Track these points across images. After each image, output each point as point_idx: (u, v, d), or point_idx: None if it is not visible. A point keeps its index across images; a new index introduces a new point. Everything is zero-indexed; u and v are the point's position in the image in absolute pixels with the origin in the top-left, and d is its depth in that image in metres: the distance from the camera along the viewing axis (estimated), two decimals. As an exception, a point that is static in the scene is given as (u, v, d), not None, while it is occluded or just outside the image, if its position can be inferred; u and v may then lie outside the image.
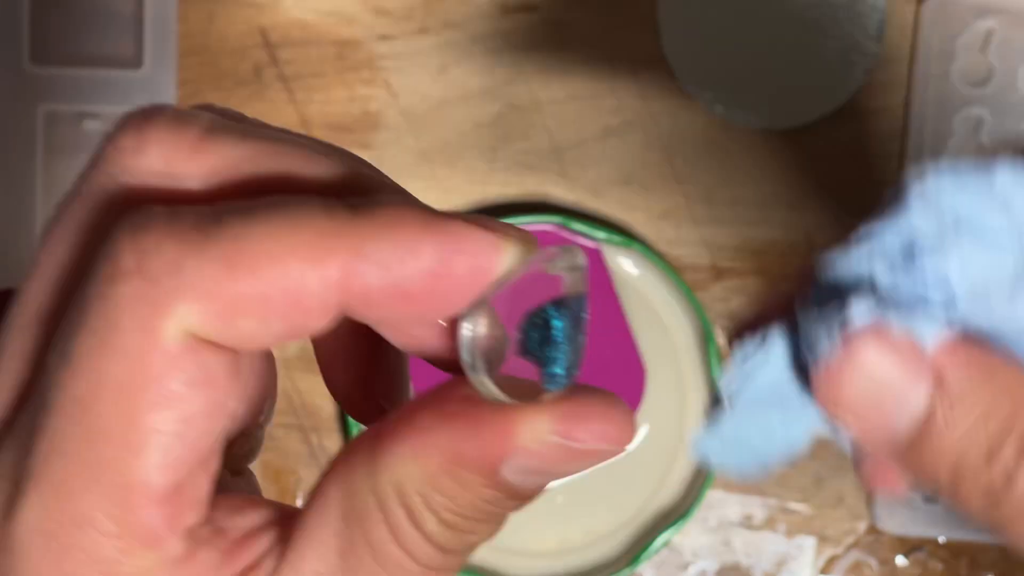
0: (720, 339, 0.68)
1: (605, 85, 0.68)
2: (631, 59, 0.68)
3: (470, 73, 0.68)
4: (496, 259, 0.27)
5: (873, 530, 0.69)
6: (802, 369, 0.31)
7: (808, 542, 0.69)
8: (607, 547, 0.68)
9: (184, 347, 0.26)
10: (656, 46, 0.68)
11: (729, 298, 0.69)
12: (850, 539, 0.69)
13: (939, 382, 0.29)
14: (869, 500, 0.69)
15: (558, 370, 0.27)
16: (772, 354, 0.31)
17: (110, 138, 0.29)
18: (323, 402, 0.68)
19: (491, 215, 0.72)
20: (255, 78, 0.68)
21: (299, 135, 0.30)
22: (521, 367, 0.28)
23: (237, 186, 0.28)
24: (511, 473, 0.27)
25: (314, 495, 0.29)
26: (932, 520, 0.69)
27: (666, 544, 0.67)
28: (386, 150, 0.68)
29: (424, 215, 0.27)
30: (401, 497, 0.28)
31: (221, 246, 0.26)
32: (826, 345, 0.29)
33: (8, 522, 0.27)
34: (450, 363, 0.29)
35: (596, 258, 0.67)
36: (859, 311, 0.28)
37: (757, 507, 0.69)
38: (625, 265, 0.67)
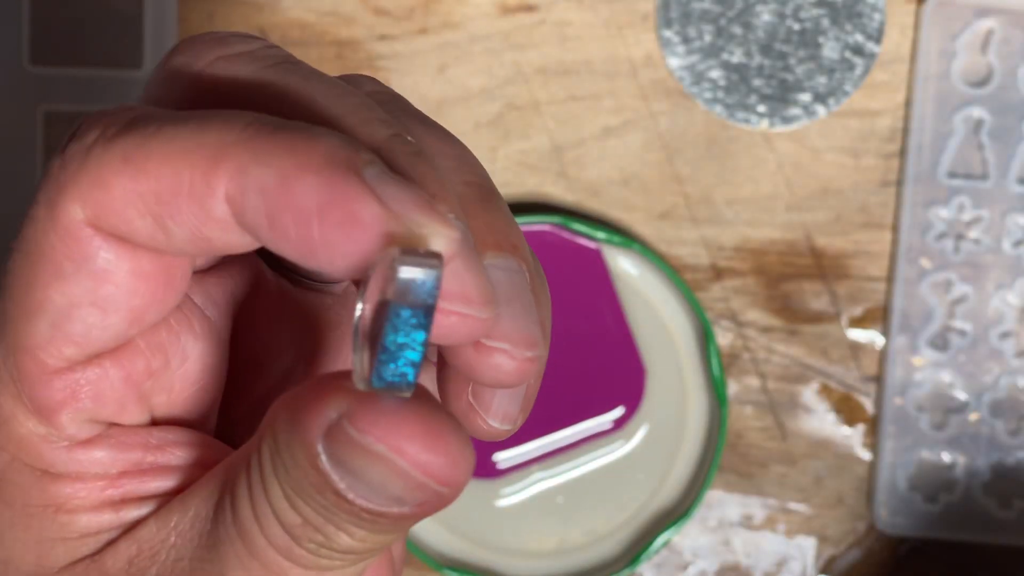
0: (720, 339, 0.68)
1: (605, 85, 0.68)
2: (631, 59, 0.68)
3: (470, 73, 0.68)
4: (376, 225, 0.25)
5: (873, 530, 0.69)
6: None
7: (808, 542, 0.69)
8: (607, 547, 0.68)
9: (80, 231, 0.27)
10: (656, 46, 0.68)
11: (729, 298, 0.69)
12: (850, 539, 0.69)
13: None
14: (869, 500, 0.69)
15: (406, 377, 0.26)
16: None
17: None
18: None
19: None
20: (255, 78, 0.68)
21: (316, 78, 0.29)
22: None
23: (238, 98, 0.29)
24: (328, 457, 0.25)
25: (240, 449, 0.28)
26: (932, 520, 0.69)
27: (666, 544, 0.67)
28: (386, 150, 0.68)
29: (330, 153, 0.25)
30: (261, 450, 0.27)
31: (127, 142, 0.27)
32: None
33: None
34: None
35: (596, 258, 0.67)
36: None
37: (757, 507, 0.69)
38: (625, 265, 0.67)
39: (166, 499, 0.29)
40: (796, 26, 0.67)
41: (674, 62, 0.67)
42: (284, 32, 0.67)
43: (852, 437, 0.69)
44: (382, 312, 0.25)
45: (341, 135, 0.26)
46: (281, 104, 0.28)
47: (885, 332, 0.69)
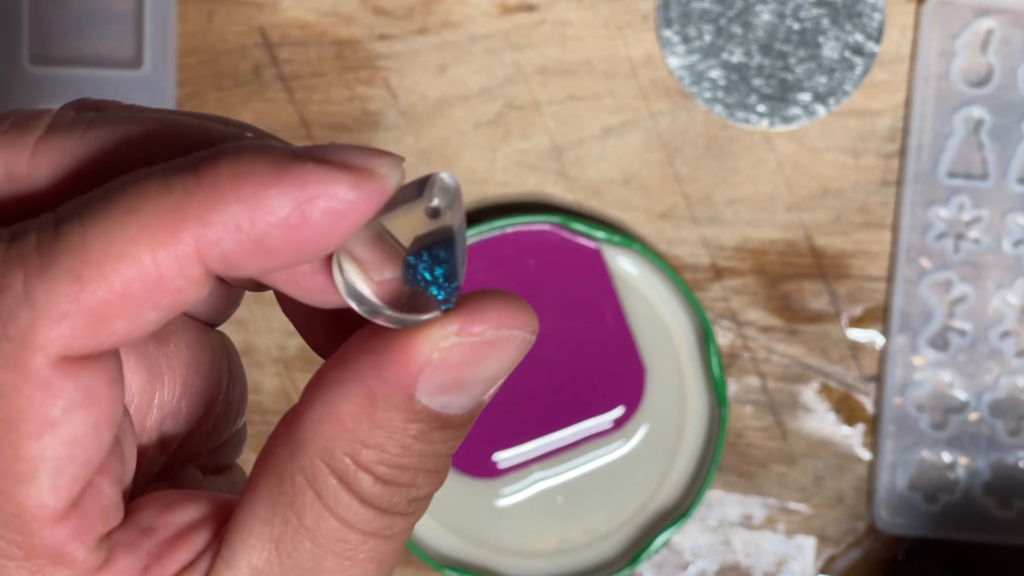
0: (720, 339, 0.68)
1: (605, 85, 0.68)
2: (631, 59, 0.68)
3: (470, 73, 0.68)
4: (357, 201, 0.26)
5: (873, 530, 0.69)
6: None
7: (808, 542, 0.69)
8: (607, 547, 0.68)
9: (56, 373, 0.25)
10: (656, 46, 0.68)
11: (729, 298, 0.69)
12: (850, 539, 0.69)
13: None
14: (869, 500, 0.69)
15: (452, 284, 0.27)
16: None
17: None
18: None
19: (491, 215, 0.72)
20: (254, 78, 0.68)
21: (156, 111, 0.29)
22: (407, 295, 0.27)
23: (85, 177, 0.27)
24: (428, 396, 0.27)
25: (245, 487, 0.28)
26: (932, 520, 0.69)
27: (666, 544, 0.67)
28: (386, 150, 0.68)
29: (271, 162, 0.25)
30: (330, 464, 0.27)
31: (63, 261, 0.25)
32: None
33: None
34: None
35: (596, 258, 0.67)
36: None
37: (757, 507, 0.69)
38: (625, 265, 0.67)
39: (202, 556, 0.28)
40: (796, 26, 0.67)
41: (674, 62, 0.67)
42: (284, 32, 0.67)
43: (852, 437, 0.69)
44: (421, 243, 0.27)
45: (250, 141, 0.26)
46: (150, 149, 0.27)
47: (885, 332, 0.69)
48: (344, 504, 0.27)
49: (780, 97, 0.68)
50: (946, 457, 0.69)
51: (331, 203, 0.25)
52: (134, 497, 0.29)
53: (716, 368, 0.66)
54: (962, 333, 0.68)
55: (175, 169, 0.25)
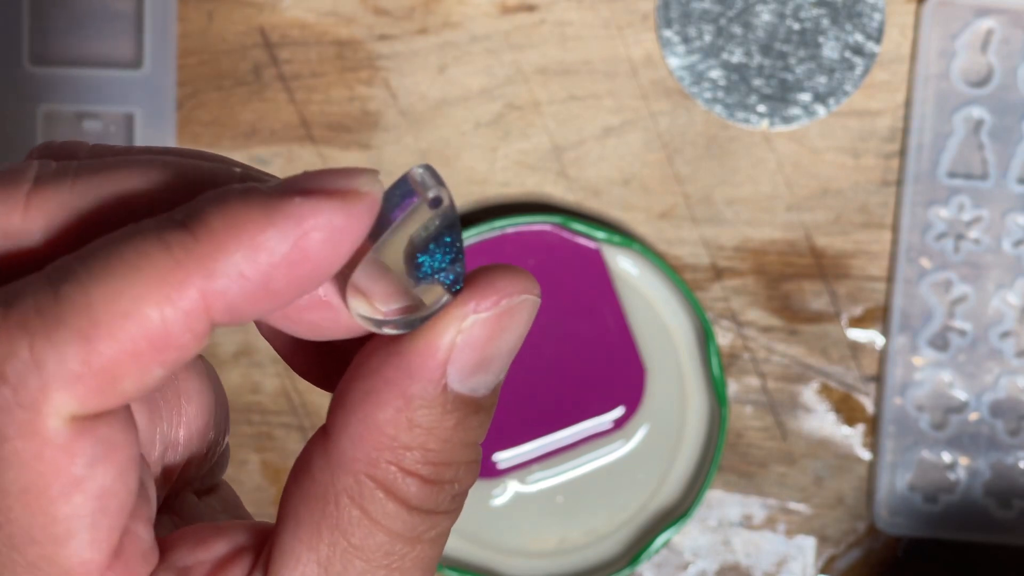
0: (720, 339, 0.68)
1: (605, 85, 0.68)
2: (631, 59, 0.68)
3: (470, 73, 0.68)
4: (349, 224, 0.26)
5: (873, 530, 0.69)
6: None
7: (808, 542, 0.69)
8: (607, 547, 0.68)
9: (72, 433, 0.25)
10: (656, 46, 0.68)
11: (729, 298, 0.69)
12: (850, 539, 0.69)
13: None
14: (869, 500, 0.69)
15: (458, 265, 0.28)
16: None
17: None
18: (323, 401, 0.68)
19: (491, 215, 0.72)
20: (255, 78, 0.68)
21: (138, 150, 0.29)
22: (412, 296, 0.28)
23: (77, 229, 0.27)
24: (458, 382, 0.27)
25: (281, 512, 0.28)
26: (932, 520, 0.69)
27: (666, 544, 0.67)
28: (386, 150, 0.68)
29: (260, 204, 0.26)
30: (375, 478, 0.27)
31: (70, 322, 0.25)
32: None
33: None
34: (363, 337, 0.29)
35: (596, 258, 0.67)
36: None
37: (757, 507, 0.69)
38: (625, 265, 0.67)
39: None
40: (796, 26, 0.67)
41: (674, 62, 0.67)
42: (284, 32, 0.67)
43: (852, 437, 0.69)
44: (424, 245, 0.28)
45: (229, 188, 0.27)
46: (141, 196, 0.27)
47: (885, 332, 0.69)
48: (391, 515, 0.27)
49: (780, 97, 0.68)
50: (946, 457, 0.69)
51: (326, 232, 0.26)
52: None
53: (716, 368, 0.66)
54: (962, 333, 0.68)
55: (169, 225, 0.26)
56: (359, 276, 0.27)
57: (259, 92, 0.68)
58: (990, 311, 0.68)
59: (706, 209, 0.68)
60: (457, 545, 0.68)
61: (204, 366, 0.32)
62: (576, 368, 0.68)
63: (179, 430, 0.31)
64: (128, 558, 0.27)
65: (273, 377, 0.69)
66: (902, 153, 0.68)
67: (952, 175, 0.68)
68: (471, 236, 0.66)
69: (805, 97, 0.68)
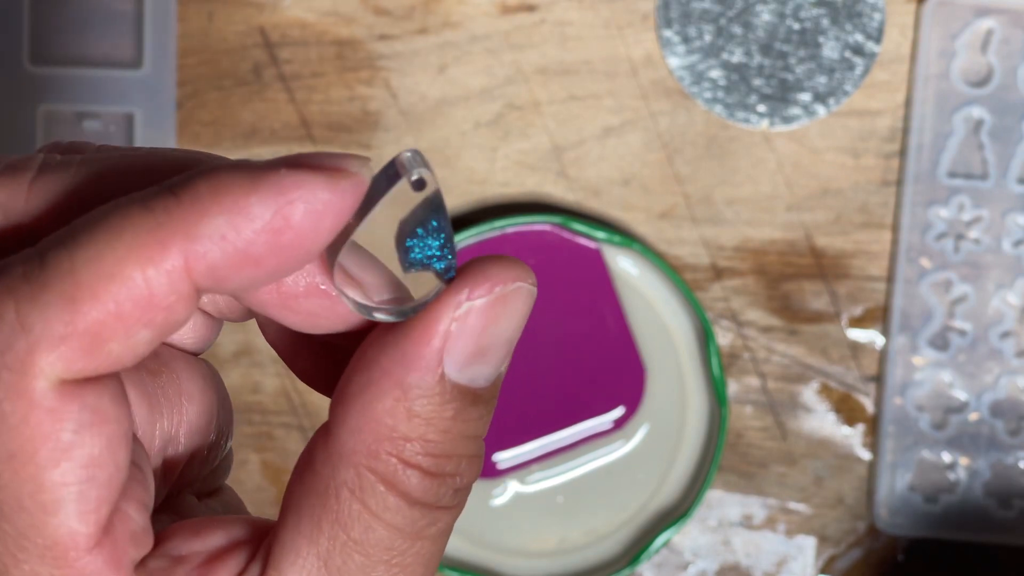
0: (720, 339, 0.68)
1: (605, 85, 0.68)
2: (631, 59, 0.68)
3: (470, 73, 0.68)
4: (333, 199, 0.26)
5: (873, 530, 0.69)
6: None
7: (808, 542, 0.69)
8: (607, 547, 0.68)
9: (60, 397, 0.25)
10: (656, 46, 0.68)
11: (729, 298, 0.69)
12: (850, 539, 0.69)
13: None
14: (869, 500, 0.69)
15: (450, 263, 0.28)
16: None
17: None
18: (323, 402, 0.68)
19: (491, 215, 0.72)
20: (255, 78, 0.68)
21: (139, 148, 0.29)
22: (404, 285, 0.28)
23: (76, 213, 0.27)
24: (456, 371, 0.27)
25: (283, 507, 0.28)
26: (932, 520, 0.69)
27: (666, 544, 0.67)
28: (386, 150, 0.68)
29: (246, 173, 0.26)
30: (375, 470, 0.27)
31: (55, 285, 0.25)
32: None
33: None
34: (362, 330, 0.29)
35: (596, 258, 0.67)
36: None
37: (757, 507, 0.69)
38: (625, 265, 0.67)
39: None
40: (796, 26, 0.67)
41: (674, 62, 0.67)
42: (284, 32, 0.67)
43: (852, 437, 0.69)
44: (412, 229, 0.28)
45: (223, 160, 0.27)
46: (135, 181, 0.28)
47: (885, 332, 0.69)
48: (392, 509, 0.27)
49: (780, 97, 0.68)
50: (946, 457, 0.69)
51: (310, 204, 0.26)
52: None
53: (716, 368, 0.66)
54: (962, 333, 0.68)
55: (153, 193, 0.26)
56: (348, 261, 0.27)
57: (259, 92, 0.68)
58: (990, 311, 0.68)
59: (706, 209, 0.68)
60: (457, 545, 0.68)
61: (208, 369, 0.32)
62: (576, 368, 0.68)
63: (180, 428, 0.31)
64: (117, 537, 0.27)
65: (273, 377, 0.69)
66: (902, 153, 0.68)
67: (952, 175, 0.68)
68: (471, 236, 0.66)
69: (805, 97, 0.68)
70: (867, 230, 0.68)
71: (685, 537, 0.69)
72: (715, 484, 0.69)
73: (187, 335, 0.32)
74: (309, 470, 0.28)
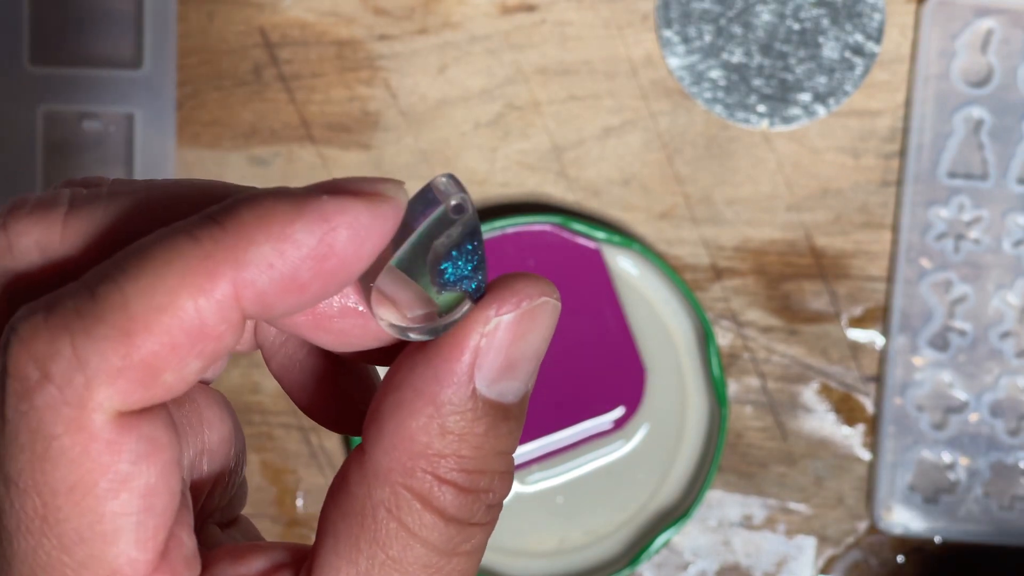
0: (720, 339, 0.68)
1: (605, 85, 0.68)
2: (631, 59, 0.68)
3: (470, 73, 0.68)
4: (375, 223, 0.27)
5: (873, 530, 0.69)
6: None
7: (808, 542, 0.69)
8: (607, 547, 0.68)
9: (118, 429, 0.26)
10: (656, 46, 0.68)
11: (729, 298, 0.69)
12: (850, 539, 0.69)
13: None
14: (869, 500, 0.69)
15: (480, 272, 0.29)
16: None
17: None
18: (323, 402, 0.68)
19: (491, 215, 0.72)
20: (255, 78, 0.68)
21: (163, 180, 0.30)
22: (435, 304, 0.29)
23: (112, 245, 0.28)
24: (486, 386, 0.28)
25: (319, 529, 0.29)
26: (932, 520, 0.69)
27: (666, 544, 0.67)
28: (386, 150, 0.68)
29: (289, 201, 0.27)
30: (411, 488, 0.28)
31: (109, 319, 0.26)
32: None
33: None
34: (391, 348, 0.29)
35: (596, 258, 0.67)
36: None
37: (757, 507, 0.69)
38: (625, 265, 0.67)
39: None
40: (796, 26, 0.67)
41: (674, 62, 0.67)
42: (284, 32, 0.67)
43: (852, 437, 0.69)
44: (448, 250, 0.28)
45: (261, 189, 0.27)
46: (169, 212, 0.28)
47: (885, 332, 0.69)
48: (428, 526, 0.28)
49: (780, 97, 0.68)
50: (946, 457, 0.69)
51: (353, 229, 0.27)
52: None
53: (716, 368, 0.66)
54: (962, 333, 0.68)
55: (196, 223, 0.26)
56: (384, 282, 0.28)
57: (259, 92, 0.68)
58: (990, 311, 0.68)
59: (706, 209, 0.68)
60: (457, 545, 0.68)
61: (222, 398, 0.33)
62: (576, 368, 0.68)
63: (203, 456, 0.31)
64: (173, 562, 0.27)
65: (273, 378, 0.68)
66: (902, 153, 0.68)
67: (952, 175, 0.68)
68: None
69: (805, 97, 0.68)
70: (867, 230, 0.68)
71: (685, 537, 0.69)
72: (715, 484, 0.69)
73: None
74: (344, 492, 0.28)
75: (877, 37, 0.67)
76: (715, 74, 0.67)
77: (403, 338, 0.28)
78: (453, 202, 0.28)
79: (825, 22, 0.67)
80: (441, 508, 0.28)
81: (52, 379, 0.26)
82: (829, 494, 0.69)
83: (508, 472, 0.29)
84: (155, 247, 0.26)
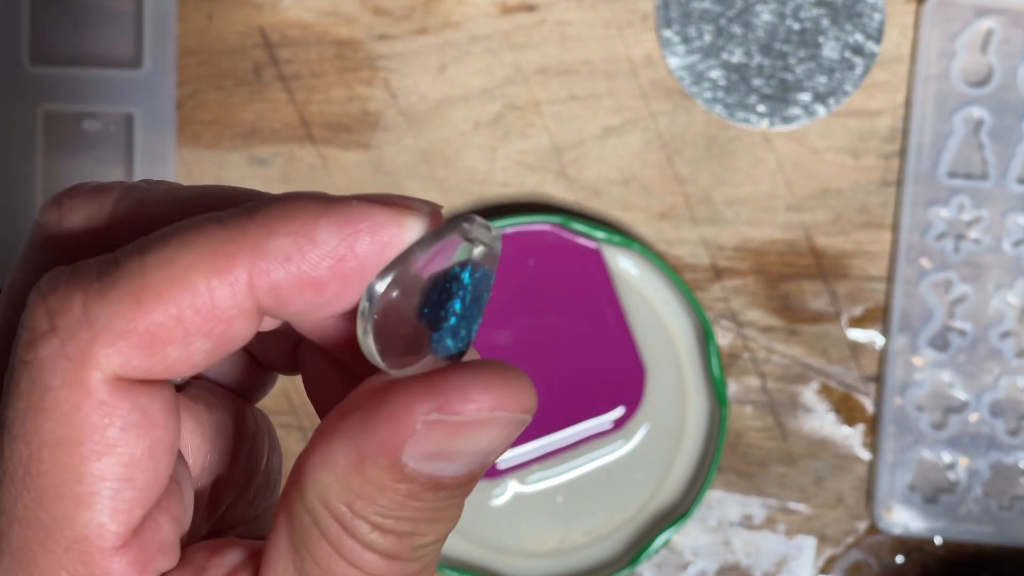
0: (720, 339, 0.68)
1: (605, 85, 0.68)
2: (631, 59, 0.68)
3: (470, 73, 0.68)
4: (398, 233, 0.27)
5: (873, 530, 0.69)
6: None
7: (808, 542, 0.69)
8: (607, 547, 0.68)
9: (114, 392, 0.26)
10: (656, 46, 0.68)
11: (729, 298, 0.69)
12: (850, 539, 0.69)
13: None
14: (869, 500, 0.69)
15: (447, 337, 0.27)
16: None
17: (37, 216, 0.30)
18: (323, 402, 0.68)
19: (491, 215, 0.72)
20: (254, 78, 0.68)
21: (215, 186, 0.30)
22: (421, 338, 0.28)
23: (153, 228, 0.28)
24: (416, 462, 0.26)
25: (271, 527, 0.28)
26: (932, 520, 0.69)
27: (666, 544, 0.67)
28: (386, 150, 0.68)
29: (318, 202, 0.27)
30: (328, 509, 0.27)
31: (123, 284, 0.26)
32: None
33: None
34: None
35: (596, 258, 0.67)
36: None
37: (757, 507, 0.69)
38: (625, 265, 0.67)
39: None
40: (796, 26, 0.67)
41: (674, 62, 0.67)
42: (284, 32, 0.67)
43: (852, 437, 0.69)
44: (438, 283, 0.27)
45: (299, 192, 0.28)
46: (212, 204, 0.29)
47: (885, 332, 0.69)
48: (348, 547, 0.27)
49: (780, 97, 0.68)
50: (946, 457, 0.69)
51: (375, 235, 0.27)
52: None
53: (716, 368, 0.66)
54: (962, 333, 0.68)
55: (231, 212, 0.27)
56: (373, 287, 0.27)
57: (259, 92, 0.68)
58: (990, 311, 0.68)
59: (706, 209, 0.68)
60: (457, 545, 0.68)
61: (263, 418, 0.33)
62: (576, 368, 0.68)
63: (230, 465, 0.32)
64: (145, 544, 0.27)
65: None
66: (902, 153, 0.68)
67: (952, 175, 0.68)
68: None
69: (805, 97, 0.68)
70: (867, 230, 0.68)
71: (685, 537, 0.69)
72: (715, 484, 0.69)
73: (241, 383, 0.33)
74: (287, 490, 0.28)
75: (877, 37, 0.67)
76: (715, 74, 0.67)
77: (366, 356, 0.27)
78: (469, 234, 0.27)
79: (825, 22, 0.67)
80: (358, 538, 0.27)
81: (58, 332, 0.26)
82: (829, 494, 0.69)
83: (443, 521, 0.28)
84: (185, 227, 0.27)
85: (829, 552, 0.69)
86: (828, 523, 0.69)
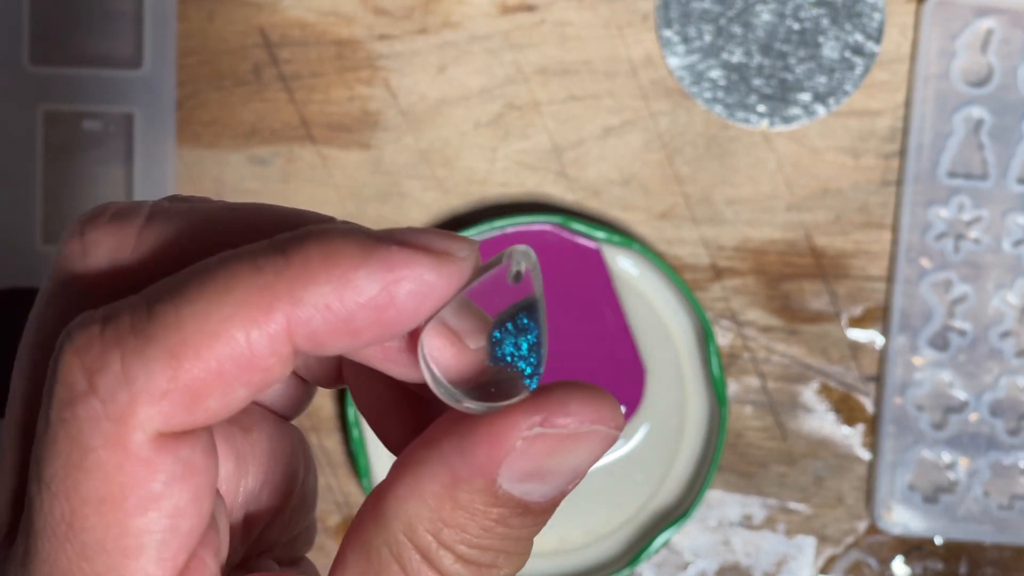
0: (720, 339, 0.68)
1: (605, 85, 0.68)
2: (631, 59, 0.68)
3: (470, 73, 0.68)
4: (439, 284, 0.27)
5: (873, 530, 0.69)
6: None
7: (808, 542, 0.69)
8: (607, 547, 0.68)
9: (156, 449, 0.26)
10: (656, 46, 0.68)
11: (729, 298, 0.69)
12: (850, 539, 0.69)
13: None
14: (869, 500, 0.69)
15: (536, 369, 0.28)
16: None
17: (59, 247, 0.29)
18: (323, 402, 0.68)
19: (491, 215, 0.72)
20: (255, 78, 0.68)
21: (240, 204, 0.30)
22: (491, 373, 0.28)
23: (184, 261, 0.28)
24: (509, 482, 0.27)
25: (335, 561, 0.29)
26: (932, 520, 0.69)
27: (666, 544, 0.67)
28: (386, 150, 0.68)
29: (357, 243, 0.26)
30: (413, 540, 0.27)
31: (160, 340, 0.26)
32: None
33: None
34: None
35: (596, 258, 0.67)
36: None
37: (757, 507, 0.69)
38: (625, 265, 0.67)
39: None
40: (796, 26, 0.67)
41: (674, 62, 0.67)
42: (284, 32, 0.67)
43: (852, 437, 0.69)
44: (509, 324, 0.28)
45: (334, 224, 0.27)
46: (241, 233, 0.28)
47: (885, 332, 0.69)
48: None
49: (780, 97, 0.68)
50: (946, 457, 0.69)
51: (415, 284, 0.26)
52: None
53: (716, 368, 0.66)
54: (962, 333, 0.68)
55: (262, 250, 0.26)
56: (437, 328, 0.28)
57: (259, 92, 0.68)
58: (990, 311, 0.68)
59: (706, 209, 0.68)
60: (457, 545, 0.68)
61: (299, 436, 0.33)
62: (576, 368, 0.68)
63: (264, 488, 0.31)
64: None
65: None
66: (902, 153, 0.68)
67: (952, 175, 0.68)
68: (470, 236, 0.66)
69: (805, 97, 0.68)
70: (867, 230, 0.68)
71: (685, 537, 0.69)
72: (715, 484, 0.69)
73: (279, 400, 0.32)
74: (360, 526, 0.28)
75: (877, 37, 0.67)
76: (715, 74, 0.67)
77: (448, 402, 0.28)
78: (514, 268, 0.27)
79: (825, 22, 0.67)
80: (439, 568, 0.28)
81: (97, 392, 0.26)
82: (829, 494, 0.69)
83: (519, 554, 0.28)
84: (218, 270, 0.26)
85: (829, 552, 0.69)
86: (828, 523, 0.69)
